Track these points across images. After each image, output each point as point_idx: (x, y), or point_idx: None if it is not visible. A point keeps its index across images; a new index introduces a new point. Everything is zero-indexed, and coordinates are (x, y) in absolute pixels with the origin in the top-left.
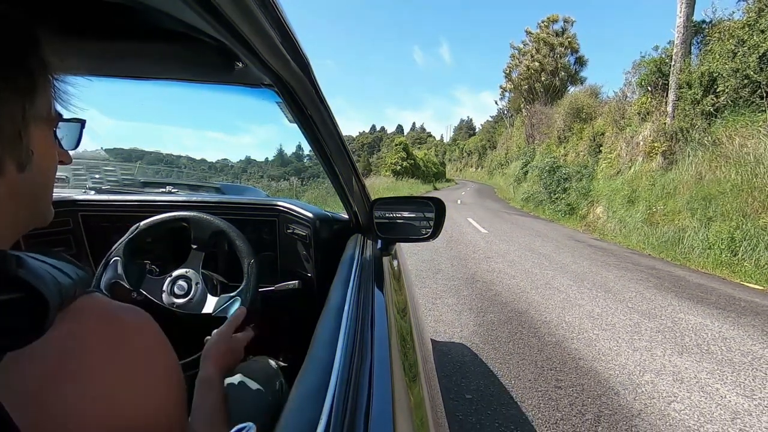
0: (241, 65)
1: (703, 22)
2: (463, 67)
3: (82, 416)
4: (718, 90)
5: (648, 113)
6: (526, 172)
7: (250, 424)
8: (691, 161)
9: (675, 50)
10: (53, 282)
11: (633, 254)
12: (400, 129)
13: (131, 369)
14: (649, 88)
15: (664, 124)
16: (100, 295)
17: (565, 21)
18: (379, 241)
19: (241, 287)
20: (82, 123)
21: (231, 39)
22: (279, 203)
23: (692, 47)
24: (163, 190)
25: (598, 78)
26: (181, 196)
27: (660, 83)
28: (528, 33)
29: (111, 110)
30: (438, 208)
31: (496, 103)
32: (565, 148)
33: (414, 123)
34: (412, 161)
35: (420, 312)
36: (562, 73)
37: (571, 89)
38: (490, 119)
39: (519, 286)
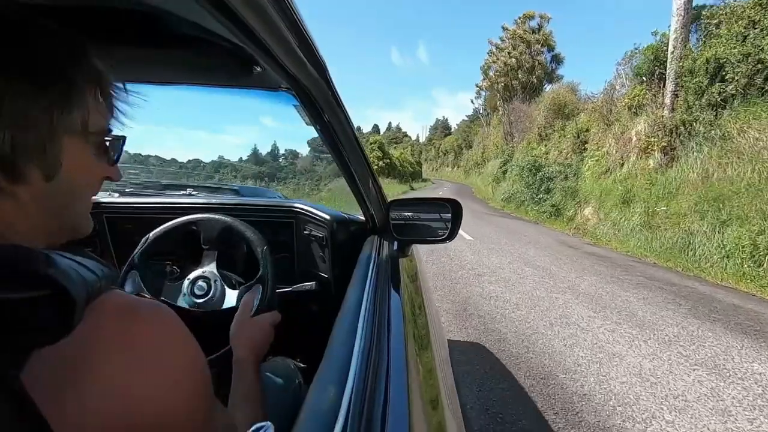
0: (259, 69)
1: (704, 6)
2: (442, 68)
3: (99, 413)
4: (726, 77)
5: (641, 106)
6: (505, 171)
7: (268, 423)
8: (696, 158)
9: (674, 35)
10: (80, 280)
11: (638, 263)
12: (376, 128)
13: (149, 364)
14: (644, 78)
15: (662, 117)
16: (120, 291)
17: (541, 18)
18: (396, 242)
19: (259, 274)
20: (122, 139)
21: (249, 43)
22: (296, 205)
23: (691, 33)
24: (184, 192)
25: (575, 77)
26: (200, 198)
27: (657, 73)
28: (505, 29)
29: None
30: (455, 209)
31: (472, 101)
32: (546, 146)
33: (390, 123)
34: (388, 161)
35: (436, 312)
36: (539, 71)
37: (548, 87)
38: (465, 119)
39: (528, 323)
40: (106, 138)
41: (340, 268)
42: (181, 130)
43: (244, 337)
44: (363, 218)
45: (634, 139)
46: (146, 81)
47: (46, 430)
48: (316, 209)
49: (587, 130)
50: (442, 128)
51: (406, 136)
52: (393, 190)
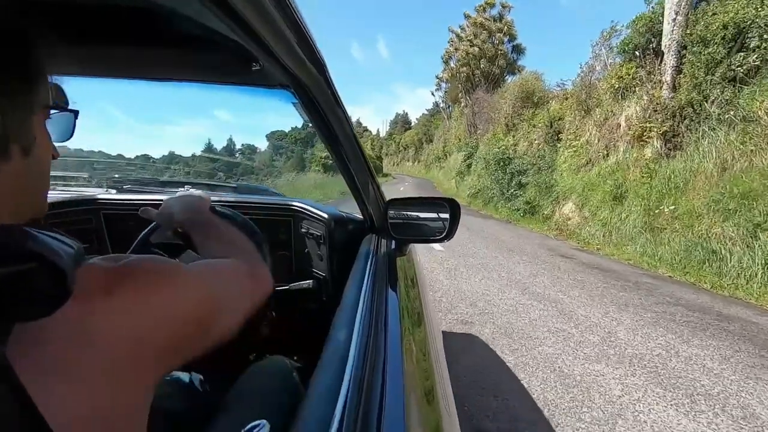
0: (257, 66)
1: None
2: (403, 64)
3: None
4: (750, 46)
5: (629, 88)
6: (470, 164)
7: (264, 421)
8: (710, 145)
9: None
10: (64, 252)
11: (654, 279)
12: None
13: (139, 323)
14: (636, 54)
15: (660, 98)
16: (91, 261)
17: (503, 6)
18: (393, 241)
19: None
20: (75, 113)
21: (248, 40)
22: (294, 203)
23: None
24: (182, 189)
25: (536, 68)
26: None
27: (653, 46)
28: (467, 17)
29: (130, 111)
30: (452, 208)
31: (432, 94)
32: (514, 137)
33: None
34: None
35: (432, 310)
36: (501, 61)
37: (510, 78)
38: (425, 113)
39: None
40: (53, 113)
41: (337, 266)
42: (175, 126)
43: (174, 206)
44: (361, 217)
45: (623, 125)
46: (145, 78)
47: (35, 413)
48: (315, 207)
49: (560, 119)
50: (402, 123)
51: (367, 130)
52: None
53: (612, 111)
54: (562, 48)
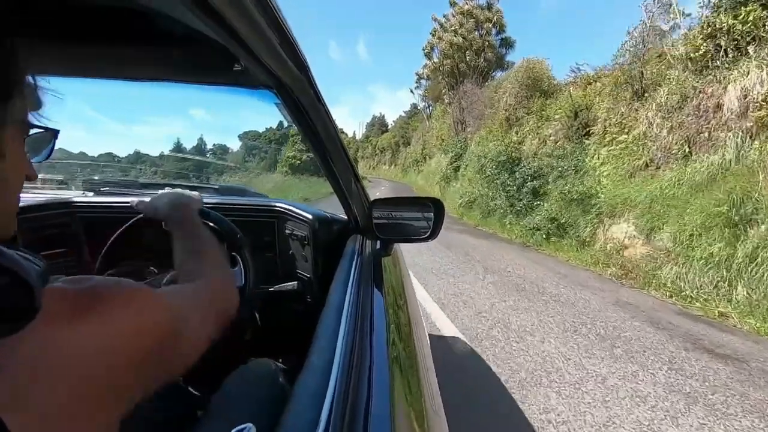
0: (239, 67)
1: None
2: (382, 66)
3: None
4: None
5: (728, 51)
6: (458, 167)
7: (250, 425)
8: None
9: None
10: (31, 268)
11: None
12: None
13: (101, 349)
14: None
15: None
16: (59, 284)
17: None
18: (378, 241)
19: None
20: (54, 133)
21: (230, 41)
22: (278, 204)
23: None
24: (163, 191)
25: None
26: None
27: None
28: (452, 4)
29: (109, 111)
30: (437, 208)
31: (411, 92)
32: (518, 133)
33: None
34: None
35: (417, 310)
36: (489, 53)
37: (498, 74)
38: (403, 114)
39: None
40: (35, 131)
41: (323, 267)
42: (157, 127)
43: (161, 200)
44: (345, 217)
45: (732, 105)
46: (127, 78)
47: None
48: (299, 208)
49: (587, 108)
50: (379, 125)
51: (343, 132)
52: (320, 190)
53: (696, 87)
54: (548, 49)
